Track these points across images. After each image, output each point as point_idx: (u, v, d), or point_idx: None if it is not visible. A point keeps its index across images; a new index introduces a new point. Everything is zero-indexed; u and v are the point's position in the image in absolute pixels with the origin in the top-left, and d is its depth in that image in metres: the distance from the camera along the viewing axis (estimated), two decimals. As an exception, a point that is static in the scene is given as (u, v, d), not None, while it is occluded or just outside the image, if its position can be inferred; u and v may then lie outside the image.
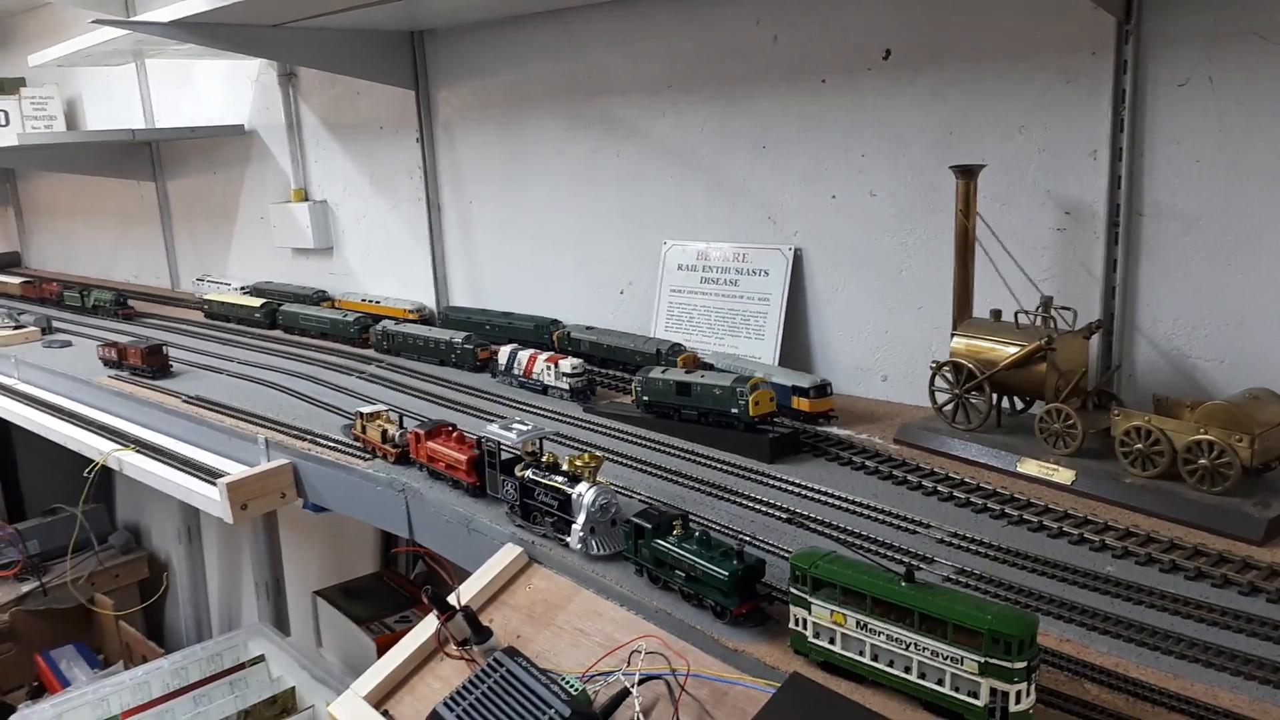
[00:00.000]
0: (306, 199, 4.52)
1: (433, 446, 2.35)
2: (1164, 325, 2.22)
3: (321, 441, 2.73)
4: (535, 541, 2.02)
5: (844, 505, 2.06)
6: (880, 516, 2.00)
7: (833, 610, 1.47)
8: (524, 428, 2.15)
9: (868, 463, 2.27)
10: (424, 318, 3.91)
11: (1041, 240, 2.35)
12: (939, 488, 2.10)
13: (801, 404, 2.50)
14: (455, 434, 2.37)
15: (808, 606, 1.50)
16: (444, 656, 1.87)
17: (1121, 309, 2.26)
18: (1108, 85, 2.15)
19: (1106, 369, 2.30)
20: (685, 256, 3.10)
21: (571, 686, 1.60)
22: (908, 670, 1.40)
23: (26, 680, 4.75)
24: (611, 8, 3.10)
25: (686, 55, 2.96)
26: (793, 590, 1.52)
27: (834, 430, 2.46)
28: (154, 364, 3.58)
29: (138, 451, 3.11)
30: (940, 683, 1.36)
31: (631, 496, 2.17)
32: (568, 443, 2.51)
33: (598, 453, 2.06)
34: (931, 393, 2.36)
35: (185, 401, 3.22)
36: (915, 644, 1.38)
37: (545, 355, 2.99)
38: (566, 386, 2.89)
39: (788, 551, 1.83)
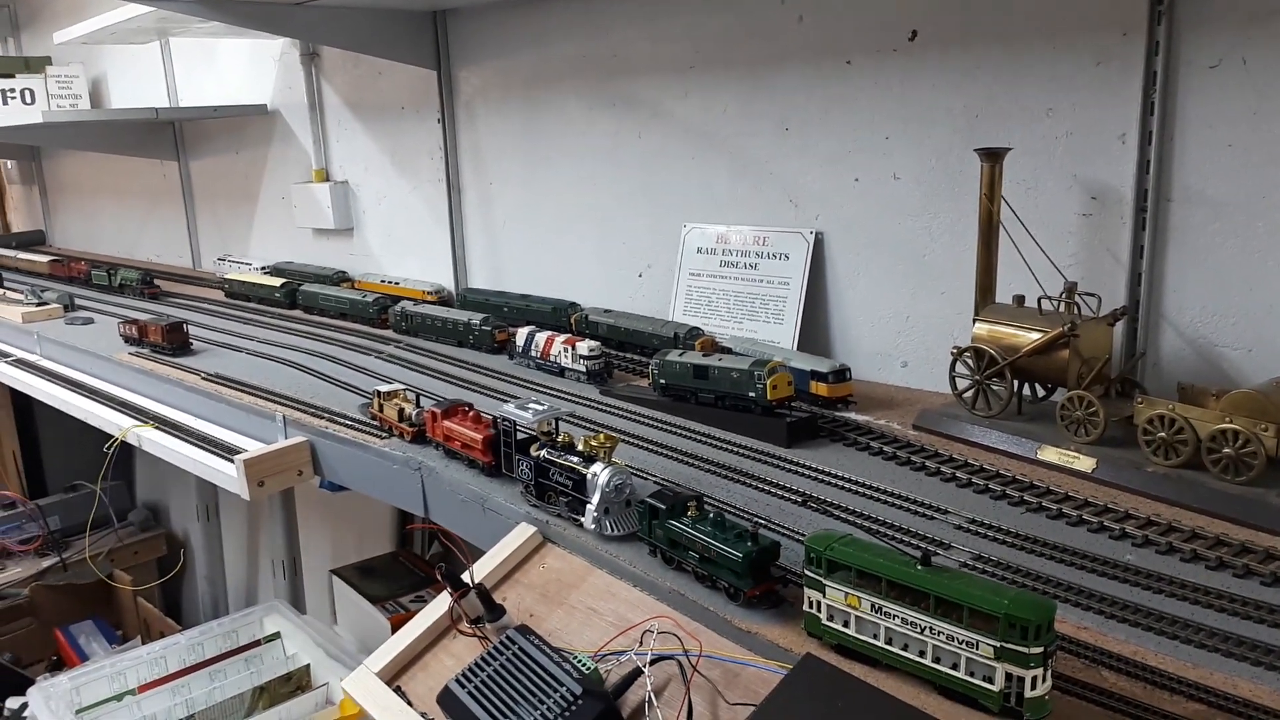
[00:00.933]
0: (328, 179, 4.53)
1: (449, 426, 2.35)
2: (1190, 313, 2.19)
3: (339, 420, 2.73)
4: (549, 521, 2.02)
5: (861, 490, 2.04)
6: (897, 502, 1.98)
7: (847, 593, 1.45)
8: (540, 408, 2.14)
9: (886, 448, 2.25)
10: (442, 299, 3.91)
11: (1067, 225, 2.32)
12: (958, 474, 2.08)
13: (820, 389, 2.48)
14: (472, 413, 2.36)
15: (822, 589, 1.48)
16: (457, 634, 1.86)
17: (1147, 296, 2.23)
18: (1139, 67, 2.11)
19: (1130, 356, 2.26)
20: (705, 240, 3.08)
21: (583, 665, 1.59)
22: (922, 654, 1.38)
23: (46, 654, 4.80)
24: (634, -13, 3.08)
25: (710, 35, 2.93)
26: (807, 572, 1.50)
27: (852, 415, 2.44)
28: (174, 341, 3.59)
29: (157, 428, 3.12)
30: (955, 667, 1.34)
31: (647, 478, 2.16)
32: (583, 425, 2.50)
33: (613, 434, 2.05)
34: (952, 379, 2.34)
35: (205, 379, 3.23)
36: (930, 628, 1.36)
37: (562, 337, 2.98)
38: (583, 369, 2.88)
39: (803, 535, 1.81)
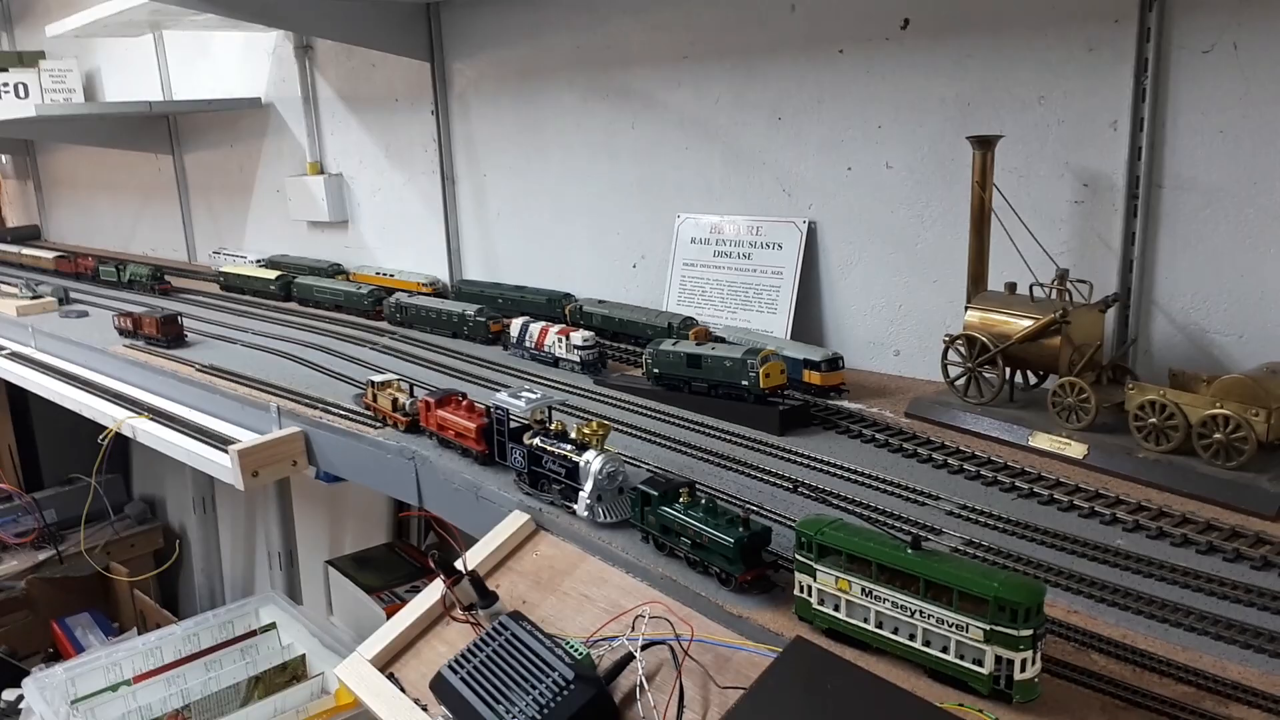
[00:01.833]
0: (322, 172, 4.52)
1: (442, 415, 2.35)
2: (1182, 299, 2.19)
3: (333, 410, 2.73)
4: (542, 508, 2.02)
5: (853, 477, 2.05)
6: (889, 488, 1.98)
7: (838, 577, 1.46)
8: (533, 396, 2.14)
9: (878, 435, 2.25)
10: (437, 291, 3.91)
11: (1059, 213, 2.32)
12: (949, 461, 2.09)
13: (813, 377, 2.48)
14: (465, 403, 2.37)
15: (813, 573, 1.49)
16: (450, 621, 1.87)
17: (1139, 283, 2.23)
18: (1130, 53, 2.11)
19: (1122, 343, 2.27)
20: (699, 230, 3.08)
21: (576, 650, 1.59)
22: (912, 638, 1.39)
23: (42, 646, 4.81)
24: (627, -23, 3.08)
25: (704, 25, 2.93)
26: (798, 557, 1.51)
27: (845, 404, 2.44)
28: (169, 334, 3.59)
29: (151, 419, 3.13)
30: (945, 650, 1.35)
31: (640, 466, 2.16)
32: (577, 414, 2.51)
33: (606, 422, 2.06)
34: (944, 366, 2.34)
35: (199, 370, 3.23)
36: (920, 611, 1.36)
37: (557, 328, 2.99)
38: (577, 359, 2.88)
39: (794, 521, 1.81)
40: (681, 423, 2.45)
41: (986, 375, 2.26)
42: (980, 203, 2.24)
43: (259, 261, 4.78)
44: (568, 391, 2.73)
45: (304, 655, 3.04)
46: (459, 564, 1.86)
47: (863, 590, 1.43)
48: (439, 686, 1.66)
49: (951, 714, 1.25)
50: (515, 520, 2.03)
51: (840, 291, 2.80)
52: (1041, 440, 2.08)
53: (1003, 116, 2.36)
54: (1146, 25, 2.09)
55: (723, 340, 2.73)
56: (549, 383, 2.80)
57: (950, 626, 1.33)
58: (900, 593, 1.39)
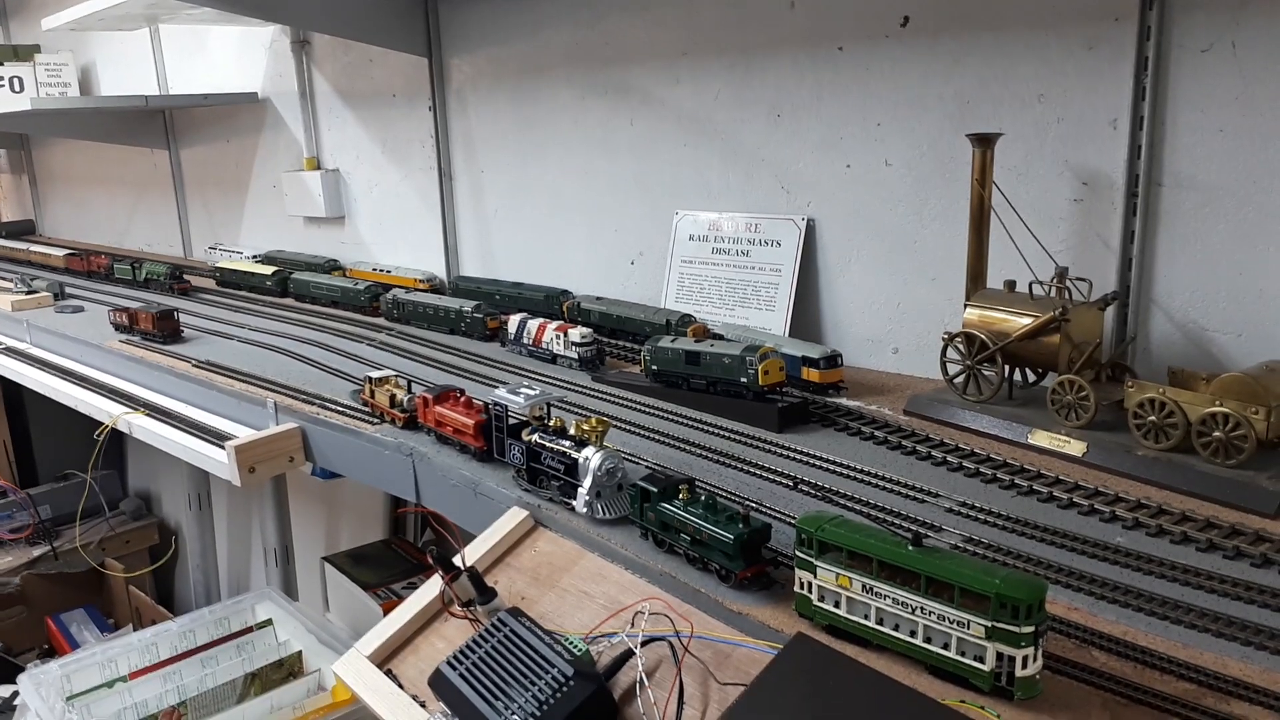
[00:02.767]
0: (319, 167, 4.51)
1: (440, 411, 2.35)
2: (1181, 298, 2.19)
3: (330, 406, 2.72)
4: (541, 505, 2.02)
5: (852, 474, 2.05)
6: (888, 485, 1.98)
7: (838, 573, 1.45)
8: (532, 392, 2.14)
9: (877, 433, 2.25)
10: (434, 287, 3.91)
11: (1058, 211, 2.32)
12: (948, 458, 2.09)
13: (811, 375, 2.48)
14: (463, 399, 2.36)
15: (813, 570, 1.49)
16: (448, 617, 1.86)
17: (1138, 281, 2.23)
18: (1130, 51, 2.11)
19: (1121, 341, 2.27)
20: (697, 227, 3.08)
21: (575, 647, 1.59)
22: (913, 634, 1.38)
23: (38, 642, 4.79)
24: (626, -27, 3.07)
25: (703, 21, 2.92)
26: (798, 553, 1.51)
27: (843, 401, 2.44)
28: (165, 329, 3.58)
29: (147, 415, 3.11)
30: (946, 647, 1.35)
31: (639, 463, 2.16)
32: (576, 411, 2.50)
33: (605, 419, 2.05)
34: (943, 364, 2.34)
35: (195, 366, 3.22)
36: (921, 608, 1.36)
37: (555, 324, 2.98)
38: (575, 356, 2.88)
39: (794, 518, 1.81)
40: (680, 420, 2.44)
41: (985, 373, 2.26)
42: (979, 200, 2.24)
43: (255, 257, 4.77)
44: (566, 388, 2.72)
45: (300, 652, 3.03)
46: (457, 560, 1.86)
47: (863, 587, 1.43)
48: (437, 683, 1.65)
49: (954, 710, 1.25)
50: (514, 517, 2.03)
51: (839, 289, 2.79)
52: (1041, 438, 2.09)
53: (1002, 114, 2.36)
54: (1147, 24, 2.09)
55: (721, 338, 2.73)
56: (547, 379, 2.80)
57: (951, 623, 1.33)
58: (901, 589, 1.38)
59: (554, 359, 2.96)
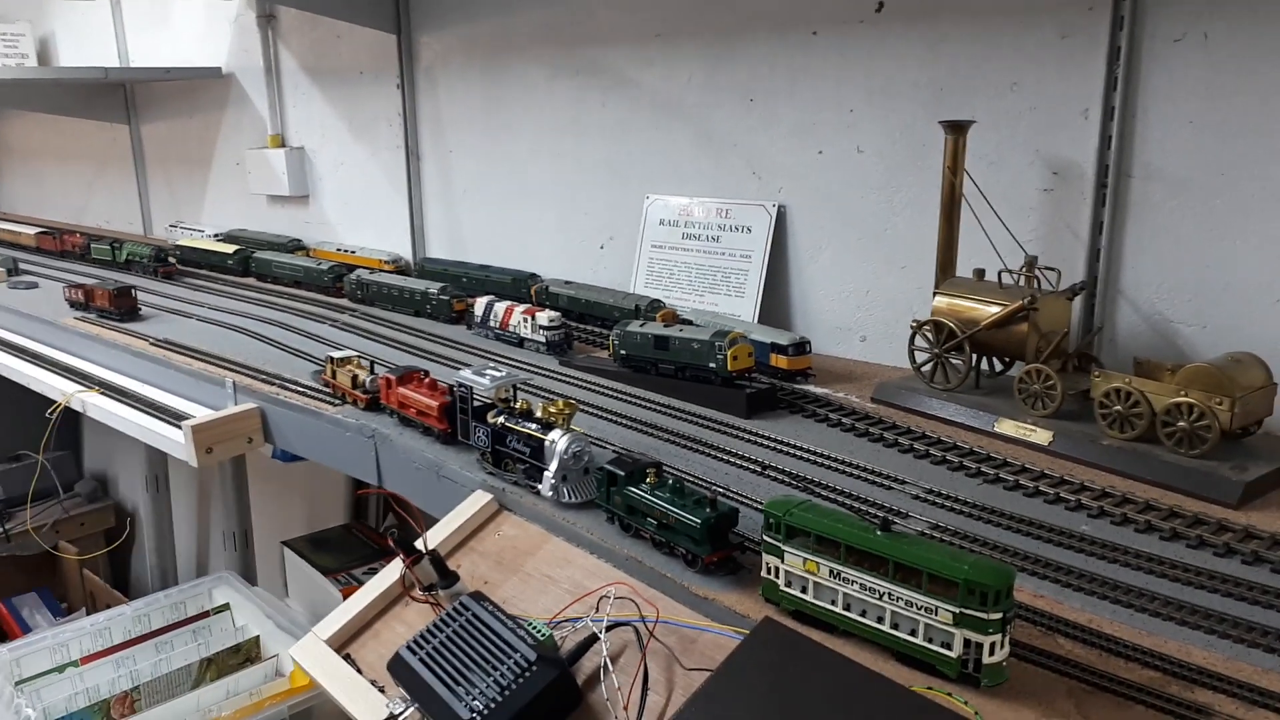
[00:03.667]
0: (283, 145, 4.43)
1: (404, 392, 2.31)
2: (1148, 289, 2.20)
3: (290, 386, 2.67)
4: (506, 489, 1.99)
5: (820, 460, 2.04)
6: (855, 472, 1.97)
7: (806, 558, 1.44)
8: (497, 374, 2.11)
9: (844, 420, 2.24)
10: (400, 268, 3.85)
11: (1028, 200, 2.32)
12: (915, 445, 2.08)
13: (780, 361, 2.47)
14: (427, 380, 2.32)
15: (780, 554, 1.47)
16: (409, 601, 1.83)
17: (1106, 271, 2.24)
18: (1103, 41, 2.11)
19: (1088, 331, 2.28)
20: (667, 211, 3.05)
21: (538, 632, 1.56)
22: (880, 620, 1.37)
23: (-12, 626, 4.69)
24: (600, -47, 3.03)
25: (677, 2, 2.89)
26: (766, 538, 1.49)
27: (811, 388, 2.43)
28: (122, 307, 3.50)
29: (102, 393, 3.04)
30: (913, 633, 1.34)
31: (606, 448, 2.13)
32: (542, 395, 2.47)
33: (572, 402, 2.02)
34: (911, 352, 2.33)
35: (153, 344, 3.15)
36: (889, 594, 1.35)
37: (522, 307, 2.94)
38: (543, 339, 2.84)
39: (761, 503, 1.80)
40: (648, 405, 2.42)
41: (953, 361, 2.25)
42: (951, 188, 2.23)
43: (217, 236, 4.68)
44: (533, 372, 2.69)
45: (258, 637, 2.98)
46: (419, 543, 1.83)
47: (831, 572, 1.41)
48: (397, 667, 1.62)
49: (922, 696, 1.24)
50: (477, 500, 2.00)
51: (809, 276, 2.78)
52: (1007, 426, 2.09)
53: (975, 103, 2.35)
54: (1120, 13, 2.09)
55: (690, 323, 2.71)
56: (513, 363, 2.76)
57: (919, 609, 1.32)
58: (869, 574, 1.37)
59: (521, 343, 2.93)
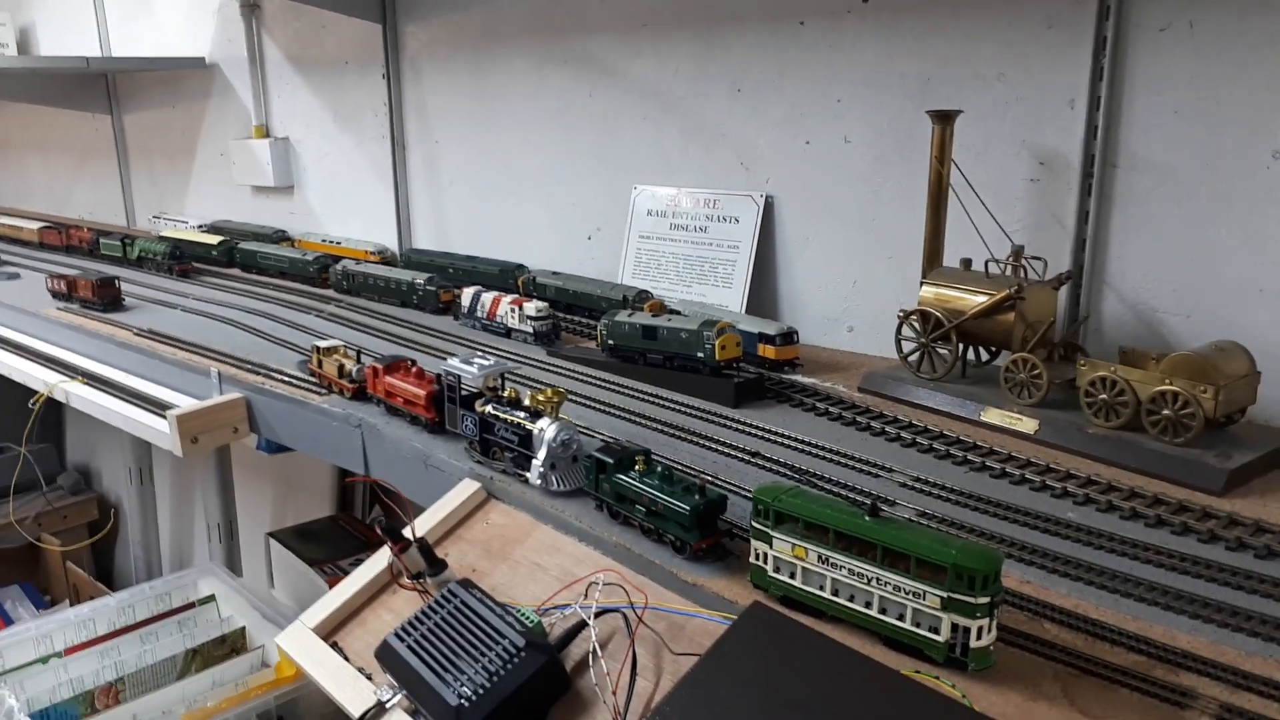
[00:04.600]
0: (268, 135, 4.40)
1: (391, 381, 2.30)
2: (1133, 279, 2.21)
3: (276, 376, 2.66)
4: (494, 477, 1.98)
5: (807, 449, 2.04)
6: (843, 460, 1.98)
7: (794, 544, 1.44)
8: (485, 363, 2.10)
9: (832, 409, 2.25)
10: (385, 259, 3.83)
11: (1015, 191, 2.33)
12: (902, 434, 2.09)
13: (767, 351, 2.47)
14: (414, 369, 2.32)
15: (769, 540, 1.47)
16: (397, 589, 1.83)
17: (1091, 261, 2.25)
18: (1089, 30, 2.12)
19: (1074, 320, 2.29)
20: (655, 202, 3.05)
21: (527, 618, 1.56)
22: (868, 605, 1.38)
23: (-30, 619, 4.65)
24: (587, -58, 3.02)
25: (663, -7, 2.89)
26: (754, 523, 1.49)
27: (799, 378, 2.44)
28: (105, 297, 3.48)
29: (85, 383, 3.02)
30: (901, 618, 1.34)
31: (594, 437, 2.13)
32: (530, 385, 2.47)
33: (560, 390, 2.02)
34: (898, 341, 2.34)
35: (137, 334, 3.13)
36: (878, 579, 1.36)
37: (509, 298, 2.94)
38: (530, 330, 2.84)
39: (750, 490, 1.80)
40: (636, 394, 2.42)
41: (940, 351, 2.26)
42: (938, 178, 2.23)
43: (201, 227, 4.65)
44: (520, 362, 2.68)
45: (244, 628, 2.97)
46: (407, 531, 1.82)
47: (819, 557, 1.42)
48: (385, 655, 1.62)
49: (910, 679, 1.24)
50: (465, 488, 1.99)
51: (796, 266, 2.79)
52: (993, 415, 2.10)
53: (962, 93, 2.36)
54: (1106, 3, 2.09)
55: (678, 314, 2.71)
56: (501, 353, 2.76)
57: (907, 594, 1.33)
58: (858, 560, 1.38)
59: (508, 333, 2.92)
